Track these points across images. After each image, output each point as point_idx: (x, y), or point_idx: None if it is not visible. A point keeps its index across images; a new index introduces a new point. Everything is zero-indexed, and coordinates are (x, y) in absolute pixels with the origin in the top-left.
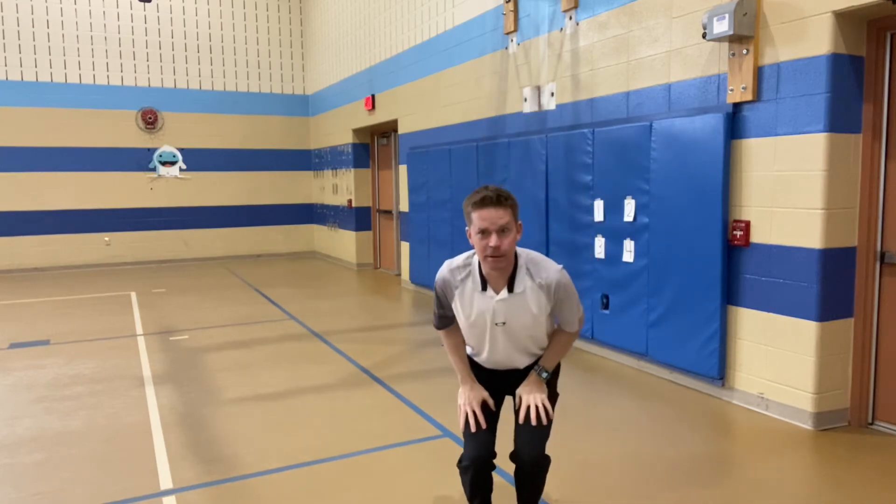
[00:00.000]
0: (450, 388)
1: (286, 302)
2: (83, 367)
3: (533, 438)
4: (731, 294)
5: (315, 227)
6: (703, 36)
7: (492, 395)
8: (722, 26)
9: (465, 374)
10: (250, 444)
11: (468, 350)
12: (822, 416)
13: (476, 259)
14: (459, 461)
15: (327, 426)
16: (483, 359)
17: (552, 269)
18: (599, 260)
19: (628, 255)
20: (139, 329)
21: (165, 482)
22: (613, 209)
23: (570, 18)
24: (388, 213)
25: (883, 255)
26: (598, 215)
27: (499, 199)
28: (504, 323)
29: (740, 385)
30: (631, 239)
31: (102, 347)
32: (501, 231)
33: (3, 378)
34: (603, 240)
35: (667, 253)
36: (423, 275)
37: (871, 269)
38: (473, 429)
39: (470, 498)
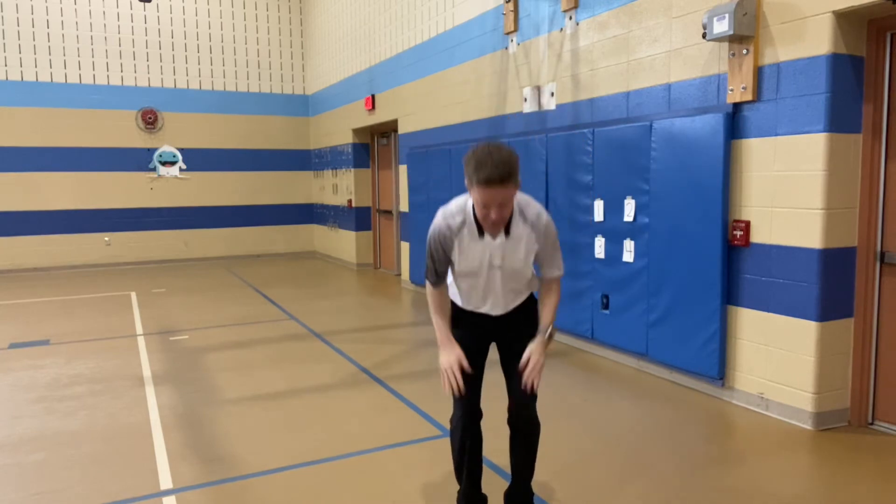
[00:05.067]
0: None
1: (286, 302)
2: (83, 367)
3: (526, 397)
4: (731, 294)
5: (315, 227)
6: (703, 36)
7: (477, 343)
8: (722, 26)
9: (446, 337)
10: (250, 444)
11: (455, 300)
12: (822, 416)
13: (470, 206)
14: (451, 420)
15: (327, 426)
16: (472, 304)
17: (537, 208)
18: (599, 260)
19: (628, 255)
20: (139, 329)
21: (165, 482)
22: (613, 209)
23: (570, 18)
24: (388, 213)
25: (883, 255)
26: (598, 215)
27: (502, 180)
28: (501, 265)
29: (740, 385)
30: (631, 239)
31: (102, 347)
32: (502, 205)
33: (3, 378)
34: (603, 240)
35: (667, 253)
36: (423, 275)
37: (871, 269)
38: (458, 394)
39: (458, 462)
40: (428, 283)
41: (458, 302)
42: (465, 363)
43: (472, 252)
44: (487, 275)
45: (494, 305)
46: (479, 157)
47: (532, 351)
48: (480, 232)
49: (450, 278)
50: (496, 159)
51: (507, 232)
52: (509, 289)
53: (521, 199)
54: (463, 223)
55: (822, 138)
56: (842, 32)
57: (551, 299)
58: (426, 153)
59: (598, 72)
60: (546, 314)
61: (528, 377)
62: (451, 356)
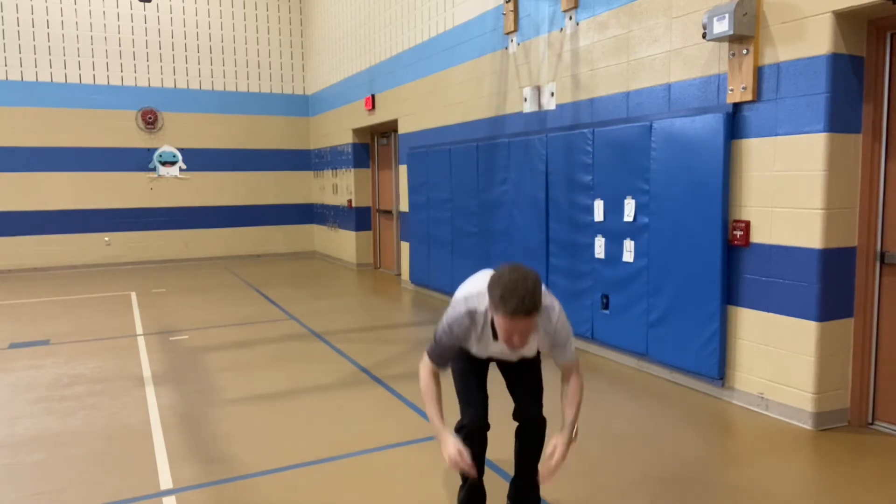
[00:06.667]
0: (449, 388)
1: (286, 302)
2: (83, 367)
3: (533, 399)
4: (731, 294)
5: (315, 227)
6: (703, 36)
7: (479, 360)
8: (722, 26)
9: (441, 428)
10: (250, 444)
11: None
12: (822, 416)
13: (489, 309)
14: (457, 427)
15: (327, 426)
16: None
17: (555, 315)
18: (599, 260)
19: (628, 255)
20: (139, 329)
21: (165, 482)
22: (613, 209)
23: (570, 18)
24: (388, 213)
25: (883, 255)
26: (598, 215)
27: (528, 313)
28: (510, 356)
29: (740, 385)
30: (631, 239)
31: (102, 347)
32: (525, 332)
33: (3, 378)
34: (603, 240)
35: (667, 253)
36: (423, 275)
37: (871, 269)
38: (474, 475)
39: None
40: (428, 363)
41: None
42: (466, 454)
43: (488, 350)
44: (497, 358)
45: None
46: (504, 287)
47: (557, 446)
48: (495, 336)
49: None
50: (522, 291)
51: None
52: (516, 357)
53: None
54: (483, 324)
55: (822, 138)
56: (842, 32)
57: (575, 395)
58: (426, 153)
59: (598, 72)
60: (570, 410)
61: (550, 473)
62: (451, 450)
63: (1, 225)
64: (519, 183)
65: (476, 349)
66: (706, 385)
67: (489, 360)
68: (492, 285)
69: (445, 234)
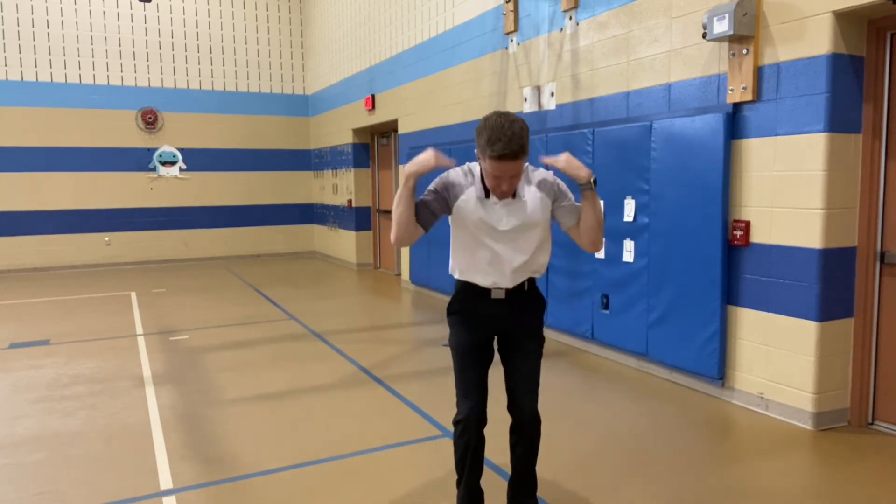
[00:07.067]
0: (449, 387)
1: (286, 302)
2: (83, 367)
3: (529, 392)
4: (731, 294)
5: (315, 227)
6: (703, 36)
7: (480, 340)
8: (722, 26)
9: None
10: (250, 444)
11: (460, 276)
12: (822, 416)
13: (479, 168)
14: (454, 421)
15: (327, 426)
16: (477, 276)
17: (545, 170)
18: (599, 260)
19: (628, 255)
20: (139, 329)
21: (165, 482)
22: (613, 209)
23: (570, 18)
24: (388, 213)
25: (883, 255)
26: None
27: (515, 155)
28: (507, 230)
29: (740, 385)
30: (631, 239)
31: (102, 347)
32: (514, 176)
33: (3, 378)
34: (603, 240)
35: (667, 253)
36: (423, 275)
37: (871, 269)
38: (446, 162)
39: (460, 465)
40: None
41: (465, 276)
42: (434, 153)
43: (476, 212)
44: (492, 242)
45: (500, 278)
46: (492, 130)
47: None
48: (487, 194)
49: (453, 265)
50: (509, 134)
51: (514, 193)
52: (517, 264)
53: (527, 165)
54: (472, 182)
55: (822, 138)
56: (842, 32)
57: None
58: None
59: (598, 72)
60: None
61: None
62: (423, 155)
63: (1, 225)
64: None
65: (468, 215)
66: (706, 385)
67: (487, 313)
68: (479, 131)
69: (445, 235)
